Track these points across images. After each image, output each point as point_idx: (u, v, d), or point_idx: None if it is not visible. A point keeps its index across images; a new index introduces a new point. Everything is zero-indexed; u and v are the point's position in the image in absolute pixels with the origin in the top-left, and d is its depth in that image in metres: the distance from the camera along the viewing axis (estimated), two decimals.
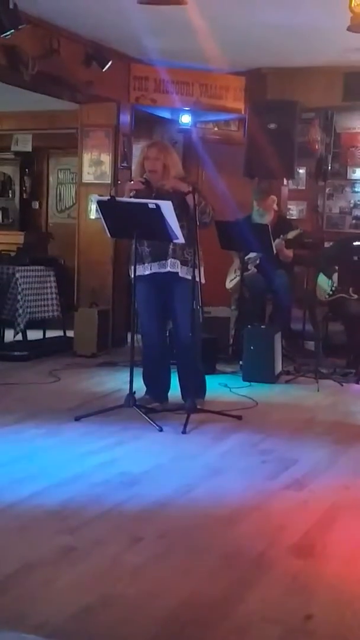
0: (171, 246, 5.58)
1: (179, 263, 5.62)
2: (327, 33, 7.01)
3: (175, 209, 5.25)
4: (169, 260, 5.62)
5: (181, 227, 5.36)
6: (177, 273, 5.62)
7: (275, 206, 8.18)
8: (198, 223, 5.51)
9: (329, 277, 7.50)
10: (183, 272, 5.60)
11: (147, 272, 5.67)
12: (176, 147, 7.26)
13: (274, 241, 7.48)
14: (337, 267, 7.40)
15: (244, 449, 5.00)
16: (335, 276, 7.42)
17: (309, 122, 9.08)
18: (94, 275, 8.59)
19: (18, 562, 3.22)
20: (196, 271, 5.46)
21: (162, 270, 5.64)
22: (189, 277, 5.51)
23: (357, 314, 7.26)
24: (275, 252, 7.53)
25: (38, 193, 12.09)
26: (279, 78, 8.73)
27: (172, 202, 5.27)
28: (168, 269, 5.62)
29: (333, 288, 7.45)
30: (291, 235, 7.70)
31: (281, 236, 7.62)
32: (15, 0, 6.04)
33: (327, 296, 7.50)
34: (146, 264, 5.67)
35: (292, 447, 5.05)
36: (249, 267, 7.79)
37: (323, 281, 7.57)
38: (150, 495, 4.06)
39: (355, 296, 7.29)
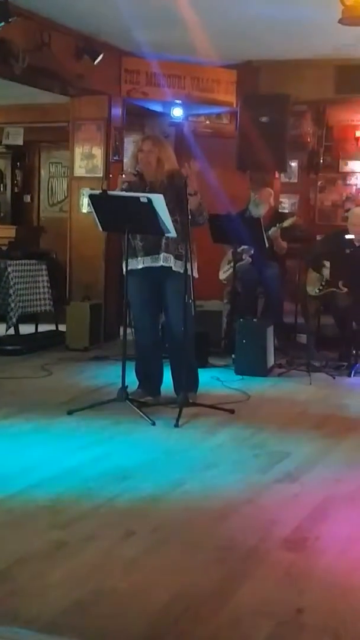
0: (164, 240, 5.57)
1: (172, 257, 5.61)
2: (319, 26, 7.00)
3: (168, 203, 5.25)
4: (161, 255, 5.61)
5: (174, 221, 5.36)
6: (170, 267, 5.62)
7: (272, 200, 8.19)
8: (194, 222, 5.52)
9: (318, 272, 7.50)
10: (177, 266, 5.59)
11: (140, 266, 5.66)
12: (168, 140, 7.27)
13: (269, 231, 7.49)
14: (325, 263, 7.39)
15: (236, 443, 5.00)
16: (324, 271, 7.42)
17: (301, 115, 9.10)
18: (86, 269, 8.58)
19: (10, 556, 3.22)
20: (188, 265, 5.46)
21: (155, 264, 5.64)
22: (182, 271, 5.50)
23: (347, 307, 7.26)
24: (269, 243, 7.54)
25: (30, 187, 12.06)
26: (270, 71, 8.71)
27: (165, 196, 5.27)
28: (161, 263, 5.62)
29: (323, 283, 7.45)
30: (287, 223, 7.71)
31: (277, 224, 7.63)
32: None
33: (317, 291, 7.51)
34: (139, 258, 5.66)
35: (284, 440, 5.06)
36: (244, 256, 7.79)
37: (313, 277, 7.57)
38: (143, 489, 4.06)
39: (345, 289, 7.29)
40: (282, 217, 8.12)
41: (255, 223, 7.47)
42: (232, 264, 7.78)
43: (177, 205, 5.46)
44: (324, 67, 8.47)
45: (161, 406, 5.71)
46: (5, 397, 6.01)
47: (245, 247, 7.79)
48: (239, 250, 7.71)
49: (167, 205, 5.23)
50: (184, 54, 8.15)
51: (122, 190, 5.59)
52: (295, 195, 9.57)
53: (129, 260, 5.59)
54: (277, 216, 8.12)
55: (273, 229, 7.59)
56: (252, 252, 7.82)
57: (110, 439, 4.98)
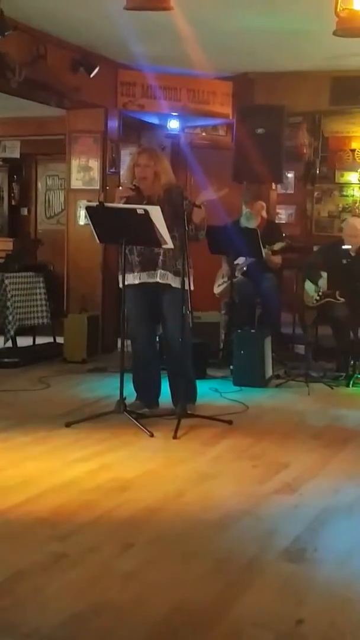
0: (161, 257, 5.58)
1: (169, 274, 5.61)
2: (313, 37, 7.03)
3: (166, 219, 5.26)
4: (158, 271, 5.62)
5: (172, 237, 5.36)
6: (169, 285, 5.62)
7: (264, 213, 8.20)
8: (194, 236, 5.54)
9: (315, 283, 7.51)
10: (176, 282, 5.59)
11: (136, 282, 5.67)
12: (164, 152, 7.30)
13: (263, 247, 7.50)
14: (322, 273, 7.40)
15: (234, 454, 4.99)
16: (321, 281, 7.42)
17: (296, 126, 9.12)
18: (84, 281, 8.59)
19: (9, 569, 3.21)
20: (185, 278, 5.46)
21: (151, 280, 5.64)
22: (179, 286, 5.51)
23: (344, 318, 7.26)
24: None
25: (27, 199, 12.06)
26: (266, 82, 8.74)
27: (163, 210, 5.28)
28: (157, 279, 5.63)
29: (320, 293, 7.45)
30: (277, 247, 7.71)
31: (266, 247, 7.63)
32: (2, 6, 6.05)
33: (314, 302, 7.51)
34: (135, 273, 5.67)
35: (283, 451, 5.05)
36: (237, 273, 7.79)
37: (309, 288, 7.58)
38: (141, 501, 4.06)
39: (342, 300, 7.29)
40: (277, 231, 8.10)
41: (252, 234, 7.48)
42: (225, 279, 7.78)
43: (175, 220, 5.47)
44: (319, 78, 8.50)
45: (159, 418, 5.70)
46: (3, 409, 6.00)
47: (240, 263, 7.80)
48: (234, 264, 7.71)
49: (165, 220, 5.24)
50: (179, 66, 8.17)
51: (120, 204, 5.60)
52: (292, 206, 9.59)
53: (126, 275, 5.57)
54: (272, 228, 8.12)
55: (264, 250, 7.58)
56: (245, 268, 7.84)
57: (109, 451, 4.97)
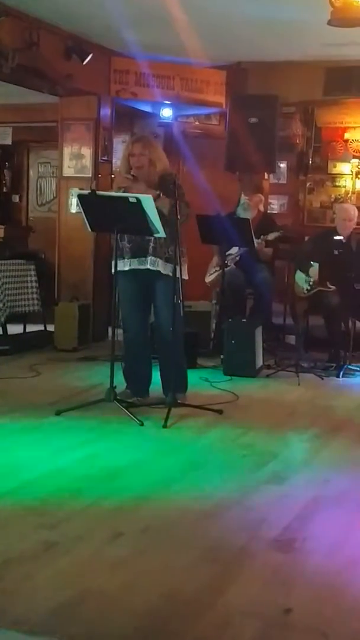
0: (151, 244, 5.56)
1: (160, 261, 5.59)
2: (307, 27, 7.02)
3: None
4: (148, 258, 5.60)
5: (164, 224, 5.35)
6: (159, 271, 5.60)
7: (261, 206, 8.21)
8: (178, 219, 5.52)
9: (306, 273, 7.50)
10: (167, 269, 5.57)
11: (126, 268, 5.66)
12: (157, 140, 7.29)
13: (256, 238, 7.49)
14: (312, 263, 7.39)
15: (224, 443, 5.00)
16: (312, 271, 7.41)
17: (289, 116, 9.10)
18: (75, 270, 8.57)
19: None
20: (177, 267, 5.45)
21: (142, 267, 5.63)
22: (170, 274, 5.50)
23: (336, 306, 7.25)
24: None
25: (18, 187, 12.03)
26: (259, 72, 8.73)
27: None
28: (147, 266, 5.61)
29: (311, 283, 7.45)
30: (271, 237, 7.72)
31: (261, 237, 7.63)
32: None
33: (305, 292, 7.51)
34: (126, 260, 5.66)
35: (273, 440, 5.06)
36: (229, 263, 7.79)
37: (300, 278, 7.58)
38: (131, 490, 4.06)
39: (333, 287, 7.28)
40: (270, 222, 8.10)
41: (244, 224, 7.47)
42: (217, 268, 7.78)
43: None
44: (312, 68, 8.50)
45: (149, 407, 5.70)
46: None
47: (232, 253, 7.79)
48: (226, 254, 7.70)
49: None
50: (173, 54, 8.15)
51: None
52: (284, 196, 9.56)
53: (117, 261, 5.57)
54: (265, 221, 8.11)
55: (257, 241, 7.58)
56: (238, 258, 7.83)
57: (99, 440, 4.97)
